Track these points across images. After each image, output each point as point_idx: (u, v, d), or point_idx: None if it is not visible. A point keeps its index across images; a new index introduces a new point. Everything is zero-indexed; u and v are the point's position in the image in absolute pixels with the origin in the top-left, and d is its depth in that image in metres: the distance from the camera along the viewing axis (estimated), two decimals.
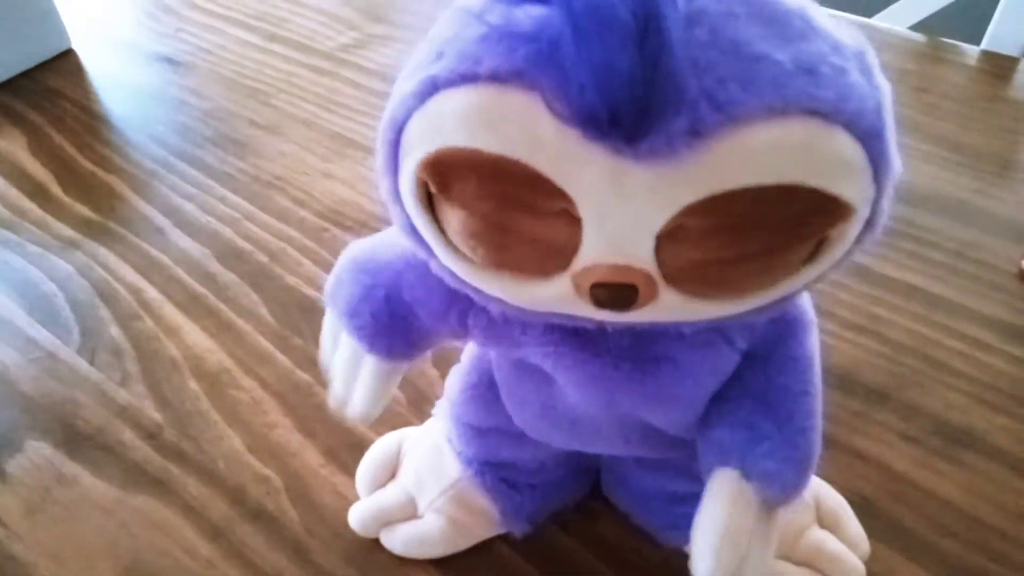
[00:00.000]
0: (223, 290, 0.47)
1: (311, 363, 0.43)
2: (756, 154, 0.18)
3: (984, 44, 0.66)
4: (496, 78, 0.18)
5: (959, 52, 0.65)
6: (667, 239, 0.19)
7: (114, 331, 0.45)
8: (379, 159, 0.22)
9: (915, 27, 0.69)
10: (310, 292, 0.47)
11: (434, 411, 0.36)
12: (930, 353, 0.41)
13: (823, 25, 0.19)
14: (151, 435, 0.40)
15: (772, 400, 0.26)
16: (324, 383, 0.41)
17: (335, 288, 0.28)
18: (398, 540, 0.34)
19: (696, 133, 0.17)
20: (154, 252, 0.50)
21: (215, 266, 0.49)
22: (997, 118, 0.58)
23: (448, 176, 0.20)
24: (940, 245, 0.48)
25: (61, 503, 0.37)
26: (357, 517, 0.34)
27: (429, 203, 0.22)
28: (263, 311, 0.46)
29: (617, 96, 0.17)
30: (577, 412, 0.28)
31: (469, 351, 0.32)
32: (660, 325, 0.23)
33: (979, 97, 0.60)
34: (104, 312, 0.47)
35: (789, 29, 0.18)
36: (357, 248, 0.29)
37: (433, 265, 0.25)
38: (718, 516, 0.25)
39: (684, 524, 0.33)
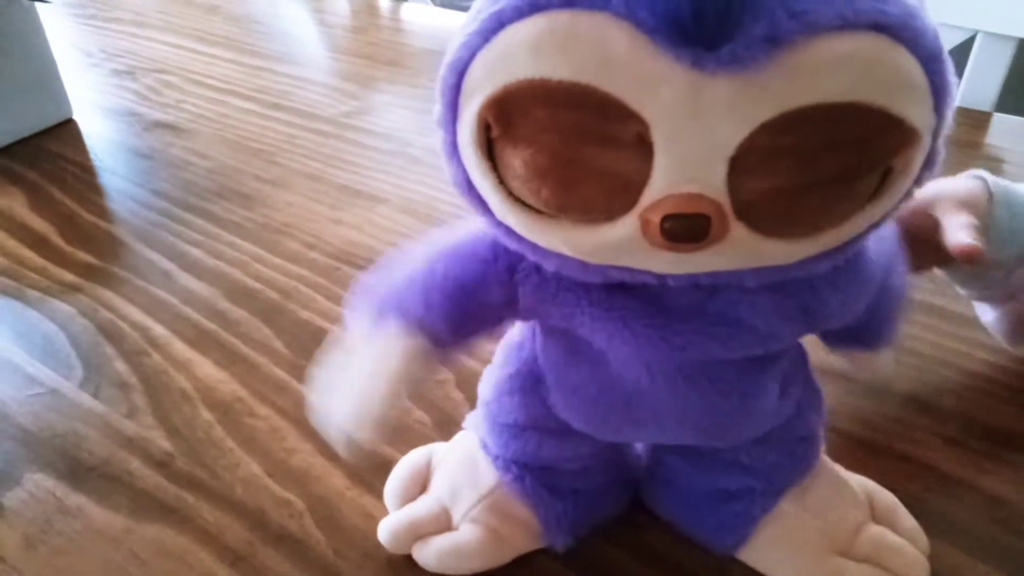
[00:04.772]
0: (233, 325, 0.46)
1: None
2: (828, 68, 0.18)
3: (958, 101, 0.69)
4: (567, 2, 0.19)
5: None
6: (739, 164, 0.19)
7: (120, 366, 0.43)
8: (438, 109, 0.22)
9: None
10: (326, 324, 0.46)
11: (464, 424, 0.35)
12: (958, 363, 0.41)
13: None
14: (161, 464, 0.38)
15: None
16: None
17: (390, 298, 0.27)
18: (432, 554, 0.32)
19: (774, 40, 0.18)
20: (161, 293, 0.49)
21: (224, 304, 0.48)
22: (976, 160, 0.61)
23: (514, 112, 0.20)
24: None
25: (64, 534, 0.35)
26: (388, 530, 0.32)
27: (488, 152, 0.22)
28: (277, 344, 0.45)
29: None
30: (635, 389, 0.27)
31: (504, 344, 0.31)
32: (723, 277, 0.23)
33: (957, 143, 0.63)
34: (109, 349, 0.45)
35: None
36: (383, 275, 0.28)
37: (486, 224, 0.24)
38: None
39: (737, 524, 0.31)
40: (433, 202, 0.58)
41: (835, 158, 0.19)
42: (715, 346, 0.25)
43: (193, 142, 0.68)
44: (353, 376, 0.26)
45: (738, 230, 0.20)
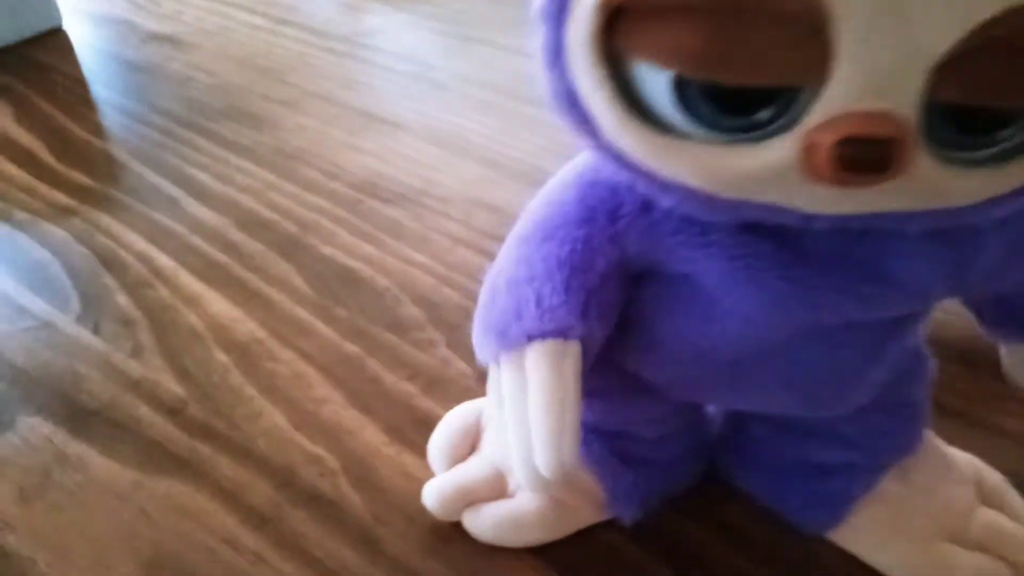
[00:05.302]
0: (248, 259, 0.42)
1: (359, 335, 0.37)
2: None
3: None
4: None
5: None
6: (942, 77, 0.15)
7: (121, 299, 0.39)
8: (537, 2, 0.17)
9: None
10: (350, 262, 0.41)
11: None
12: None
13: None
14: (173, 410, 0.34)
15: None
16: (376, 356, 0.36)
17: (511, 319, 0.22)
18: (486, 523, 0.28)
19: None
20: (165, 220, 0.44)
21: (236, 235, 0.43)
22: None
23: None
24: None
25: (64, 487, 0.31)
26: (436, 494, 0.29)
27: (606, 55, 0.17)
28: (297, 280, 0.40)
29: None
30: (744, 349, 0.23)
31: None
32: (882, 219, 0.19)
33: None
34: (109, 280, 0.40)
35: None
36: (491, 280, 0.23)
37: (589, 147, 0.20)
38: None
39: (833, 502, 0.28)
40: (461, 131, 0.53)
41: None
42: (854, 305, 0.21)
43: (194, 56, 0.62)
44: (524, 418, 0.21)
45: (924, 160, 0.16)
